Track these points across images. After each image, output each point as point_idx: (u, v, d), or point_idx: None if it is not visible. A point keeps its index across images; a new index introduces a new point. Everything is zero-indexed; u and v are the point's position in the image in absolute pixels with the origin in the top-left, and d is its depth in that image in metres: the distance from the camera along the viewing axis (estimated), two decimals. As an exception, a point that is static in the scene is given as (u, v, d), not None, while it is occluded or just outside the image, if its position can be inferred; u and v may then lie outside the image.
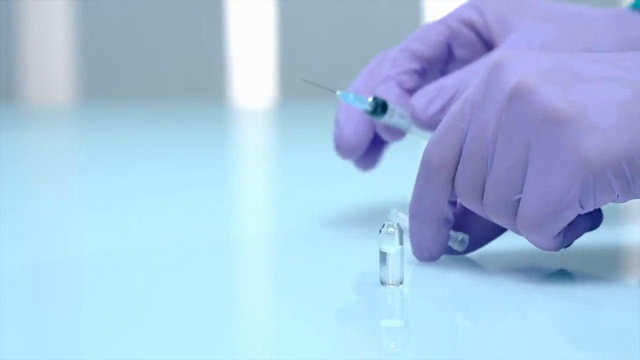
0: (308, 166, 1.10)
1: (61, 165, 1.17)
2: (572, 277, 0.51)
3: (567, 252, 0.57)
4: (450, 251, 0.55)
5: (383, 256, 0.49)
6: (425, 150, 0.51)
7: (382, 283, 0.49)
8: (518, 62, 0.48)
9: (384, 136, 0.63)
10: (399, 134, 0.63)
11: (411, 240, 0.53)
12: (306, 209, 0.77)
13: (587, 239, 0.61)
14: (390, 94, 0.62)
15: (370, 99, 0.59)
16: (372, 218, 0.71)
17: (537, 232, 0.47)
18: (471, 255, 0.57)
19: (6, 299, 0.48)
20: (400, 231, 0.49)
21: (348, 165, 1.08)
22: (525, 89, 0.47)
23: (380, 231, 0.49)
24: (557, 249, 0.49)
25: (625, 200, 0.47)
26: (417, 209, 0.52)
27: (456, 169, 0.50)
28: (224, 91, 2.67)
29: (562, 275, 0.52)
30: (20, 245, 0.63)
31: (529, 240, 0.48)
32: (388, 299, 0.47)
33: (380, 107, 0.59)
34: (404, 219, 0.58)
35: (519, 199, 0.48)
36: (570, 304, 0.46)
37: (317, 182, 0.95)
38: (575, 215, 0.47)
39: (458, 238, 0.54)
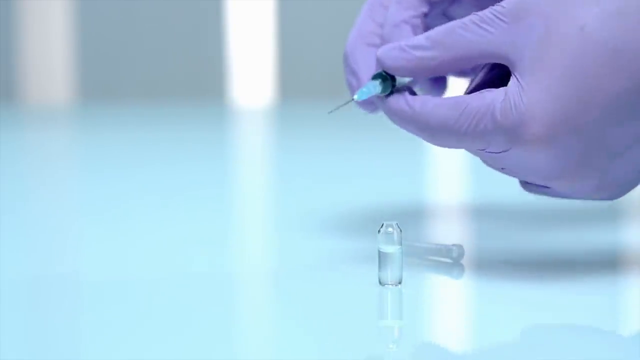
0: (307, 166, 1.10)
1: (60, 166, 1.17)
2: (569, 278, 0.51)
3: (565, 253, 0.57)
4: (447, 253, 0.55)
5: (382, 256, 0.49)
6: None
7: (381, 283, 0.49)
8: None
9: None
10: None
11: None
12: (305, 209, 0.77)
13: (586, 240, 0.61)
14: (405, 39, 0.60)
15: (377, 82, 0.55)
16: (372, 218, 0.71)
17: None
18: (469, 257, 0.57)
19: (3, 304, 0.48)
20: (399, 231, 0.49)
21: (347, 166, 1.08)
22: None
23: (379, 231, 0.49)
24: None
25: None
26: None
27: None
28: (224, 91, 2.67)
29: (561, 275, 0.52)
30: (19, 248, 0.63)
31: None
32: (387, 299, 0.47)
33: (389, 81, 0.55)
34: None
35: None
36: (568, 304, 0.46)
37: (316, 181, 0.95)
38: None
39: (452, 254, 0.54)
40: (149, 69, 2.74)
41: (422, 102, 0.51)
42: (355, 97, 0.53)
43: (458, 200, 0.82)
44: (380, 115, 1.89)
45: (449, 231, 0.67)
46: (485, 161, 0.52)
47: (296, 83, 2.58)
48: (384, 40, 0.58)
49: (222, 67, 2.67)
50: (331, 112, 0.55)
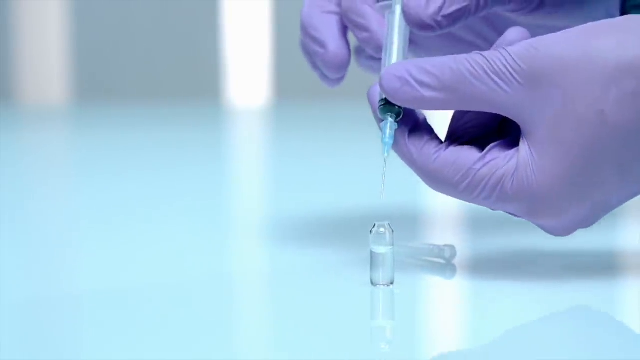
0: (302, 166, 1.10)
1: (56, 166, 1.17)
2: (563, 278, 0.51)
3: (559, 253, 0.57)
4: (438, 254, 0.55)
5: (374, 256, 0.49)
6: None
7: (373, 283, 0.49)
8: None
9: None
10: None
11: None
12: (299, 209, 0.77)
13: (581, 240, 0.61)
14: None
15: (391, 120, 0.51)
16: (364, 218, 0.71)
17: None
18: (461, 258, 0.57)
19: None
20: (391, 232, 0.49)
21: (342, 166, 1.08)
22: None
23: (370, 231, 0.49)
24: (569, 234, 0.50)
25: None
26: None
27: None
28: (219, 91, 2.67)
29: (554, 276, 0.52)
30: (14, 250, 0.63)
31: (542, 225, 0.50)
32: (379, 300, 0.47)
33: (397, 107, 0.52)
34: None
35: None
36: (562, 304, 0.46)
37: (310, 182, 0.95)
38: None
39: (445, 254, 0.54)
40: (145, 69, 2.74)
41: (424, 157, 0.50)
42: (385, 154, 0.51)
43: (451, 201, 0.82)
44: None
45: (441, 231, 0.67)
46: None
47: (292, 83, 2.58)
48: (344, 11, 0.57)
49: (218, 67, 2.67)
50: (382, 191, 0.52)
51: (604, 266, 0.54)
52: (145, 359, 0.38)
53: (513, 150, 0.49)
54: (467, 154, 0.49)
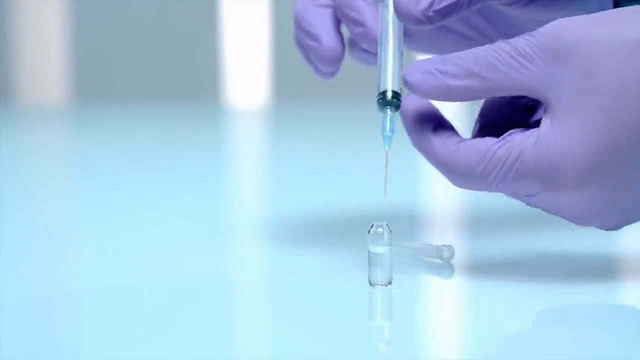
0: (301, 166, 1.10)
1: (56, 166, 1.17)
2: (561, 279, 0.51)
3: (557, 254, 0.57)
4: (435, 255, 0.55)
5: (372, 256, 0.49)
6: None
7: (371, 283, 0.49)
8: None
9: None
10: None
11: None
12: (298, 208, 0.77)
13: (580, 241, 0.61)
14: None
15: (392, 113, 0.52)
16: (364, 218, 0.71)
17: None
18: (459, 258, 0.57)
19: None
20: (389, 232, 0.49)
21: (341, 166, 1.08)
22: None
23: (369, 231, 0.49)
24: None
25: None
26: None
27: None
28: (218, 91, 2.67)
29: (553, 276, 0.52)
30: (15, 251, 0.63)
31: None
32: (377, 300, 0.47)
33: (397, 99, 0.53)
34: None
35: None
36: (560, 305, 0.46)
37: (309, 182, 0.95)
38: None
39: (443, 254, 0.54)
40: (145, 69, 2.74)
41: (446, 147, 0.50)
42: (387, 148, 0.51)
43: (449, 201, 0.82)
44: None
45: (439, 232, 0.67)
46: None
47: (291, 83, 2.58)
48: (338, 5, 0.57)
49: (217, 67, 2.67)
50: (385, 188, 0.52)
51: (604, 267, 0.54)
52: (144, 359, 0.38)
53: (533, 129, 0.49)
54: (487, 140, 0.49)
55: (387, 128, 0.50)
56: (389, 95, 0.51)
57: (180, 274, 0.53)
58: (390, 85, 0.52)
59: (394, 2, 0.53)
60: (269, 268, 0.55)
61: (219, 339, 0.41)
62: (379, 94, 0.51)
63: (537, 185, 0.48)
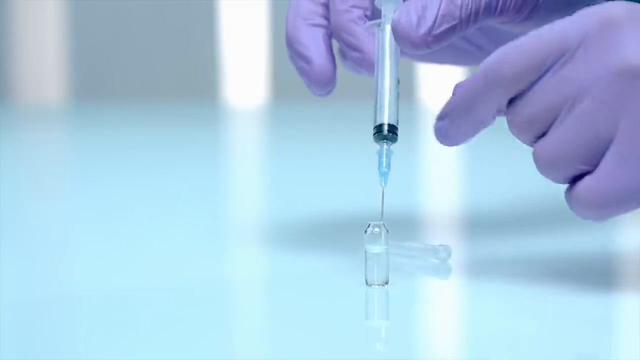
0: (300, 167, 1.10)
1: (54, 166, 1.17)
2: (559, 279, 0.51)
3: (555, 255, 0.57)
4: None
5: (368, 256, 0.49)
6: (504, 53, 0.49)
7: (368, 283, 0.49)
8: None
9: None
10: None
11: (441, 126, 0.51)
12: (296, 208, 0.77)
13: (579, 243, 0.61)
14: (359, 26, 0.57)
15: (387, 146, 0.52)
16: (361, 218, 0.71)
17: (590, 211, 0.46)
18: (456, 258, 0.57)
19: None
20: (386, 232, 0.49)
21: (339, 166, 1.08)
22: None
23: (365, 231, 0.49)
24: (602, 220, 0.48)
25: None
26: (461, 103, 0.49)
27: (523, 91, 0.48)
28: (217, 91, 2.67)
29: (550, 276, 0.52)
30: (13, 251, 0.63)
31: (571, 206, 0.47)
32: (373, 300, 0.47)
33: (394, 133, 0.52)
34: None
35: (580, 168, 0.46)
36: (558, 305, 0.46)
37: (307, 182, 0.95)
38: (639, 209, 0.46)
39: (440, 254, 0.55)
40: (142, 69, 2.74)
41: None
42: (383, 185, 0.51)
43: (446, 202, 0.82)
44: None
45: (436, 232, 0.67)
46: None
47: (289, 83, 2.58)
48: (334, 28, 0.56)
49: (215, 67, 2.67)
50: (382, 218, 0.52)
51: (603, 268, 0.54)
52: None
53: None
54: None
55: (384, 163, 0.50)
56: (385, 129, 0.51)
57: (178, 274, 0.53)
58: (387, 118, 0.51)
59: (392, 27, 0.53)
60: (267, 268, 0.55)
61: (216, 339, 0.41)
62: (375, 127, 0.50)
63: None
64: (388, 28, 0.53)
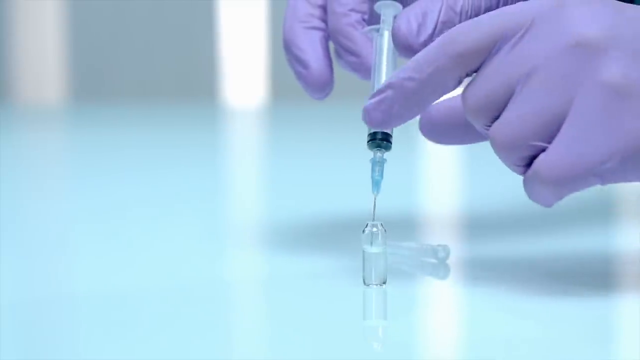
0: (299, 167, 1.10)
1: (53, 166, 1.17)
2: (558, 280, 0.52)
3: (554, 255, 0.57)
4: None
5: (366, 256, 0.49)
6: (459, 27, 0.48)
7: (365, 283, 0.49)
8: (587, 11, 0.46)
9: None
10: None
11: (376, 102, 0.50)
12: (295, 208, 0.77)
13: (578, 244, 0.61)
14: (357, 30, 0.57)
15: (381, 154, 0.52)
16: (360, 218, 0.71)
17: (549, 188, 0.45)
18: (455, 258, 0.57)
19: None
20: (384, 231, 0.49)
21: (338, 167, 1.08)
22: (595, 47, 0.45)
23: (363, 231, 0.49)
24: (551, 205, 0.47)
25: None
26: (414, 76, 0.48)
27: (476, 70, 0.48)
28: (216, 91, 2.67)
29: (549, 277, 0.52)
30: (13, 252, 0.63)
31: (528, 189, 0.47)
32: (371, 299, 0.47)
33: (389, 141, 0.52)
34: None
35: (536, 145, 0.46)
36: (556, 305, 0.46)
37: (306, 182, 0.95)
38: (597, 184, 0.45)
39: (438, 254, 0.55)
40: (142, 69, 2.74)
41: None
42: (375, 193, 0.51)
43: (445, 202, 0.82)
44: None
45: (434, 231, 0.67)
46: None
47: (288, 84, 2.58)
48: (332, 32, 0.56)
49: (214, 67, 2.67)
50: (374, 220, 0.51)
51: (603, 268, 0.55)
52: None
53: None
54: None
55: (376, 171, 0.50)
56: (379, 137, 0.51)
57: (177, 274, 0.53)
58: None
59: (392, 33, 0.52)
60: (265, 268, 0.56)
61: (215, 339, 0.41)
62: (369, 134, 0.50)
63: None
64: (387, 34, 0.53)
